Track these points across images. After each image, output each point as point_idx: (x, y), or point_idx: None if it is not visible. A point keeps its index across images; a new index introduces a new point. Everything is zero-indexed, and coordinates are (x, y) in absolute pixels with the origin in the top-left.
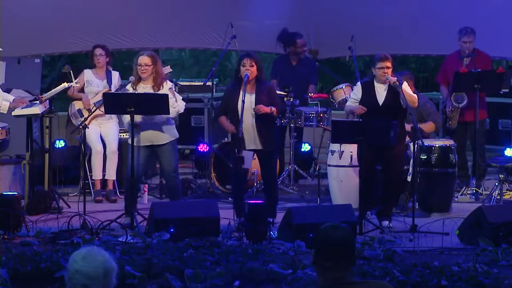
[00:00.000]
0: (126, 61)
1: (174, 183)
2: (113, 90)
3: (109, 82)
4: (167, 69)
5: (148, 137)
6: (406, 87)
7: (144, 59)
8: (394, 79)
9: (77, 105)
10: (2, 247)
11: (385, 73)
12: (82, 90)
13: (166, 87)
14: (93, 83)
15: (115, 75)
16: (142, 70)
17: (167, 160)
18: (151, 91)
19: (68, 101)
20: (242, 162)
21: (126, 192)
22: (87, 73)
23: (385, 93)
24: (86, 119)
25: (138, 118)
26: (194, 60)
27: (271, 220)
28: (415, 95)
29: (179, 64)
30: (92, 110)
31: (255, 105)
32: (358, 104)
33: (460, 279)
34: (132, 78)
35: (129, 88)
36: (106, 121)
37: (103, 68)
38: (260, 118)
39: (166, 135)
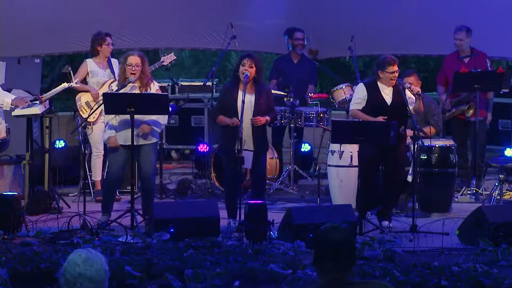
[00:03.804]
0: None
1: (150, 184)
2: (117, 78)
3: (112, 71)
4: (171, 56)
5: (129, 137)
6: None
7: (135, 59)
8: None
9: (84, 97)
10: (2, 247)
11: (395, 77)
12: (84, 80)
13: (154, 88)
14: (98, 73)
15: (115, 62)
16: (133, 70)
17: (147, 161)
18: (137, 91)
19: (69, 101)
20: (242, 162)
21: (107, 199)
22: (90, 63)
23: (391, 93)
24: (86, 119)
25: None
26: (194, 60)
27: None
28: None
29: (179, 64)
30: (95, 107)
31: (255, 107)
32: (364, 104)
33: (460, 279)
34: (132, 78)
35: (114, 88)
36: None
37: (106, 58)
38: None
39: (148, 136)
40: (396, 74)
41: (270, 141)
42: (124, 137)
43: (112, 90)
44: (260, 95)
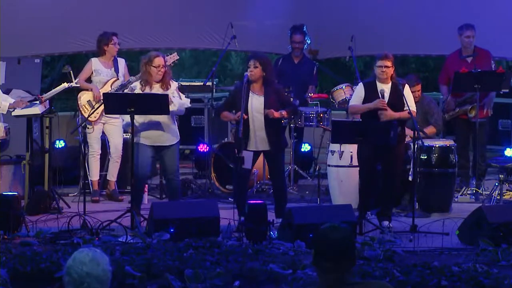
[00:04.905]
0: (126, 61)
1: (176, 183)
2: (121, 78)
3: (116, 70)
4: (174, 57)
5: (154, 137)
6: (408, 93)
7: (161, 61)
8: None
9: (86, 96)
10: (2, 247)
11: (383, 71)
12: (88, 79)
13: (173, 86)
14: (102, 72)
15: (122, 62)
16: (161, 71)
17: (172, 161)
18: (161, 90)
19: (69, 101)
20: (242, 162)
21: (133, 191)
22: (95, 62)
23: (388, 93)
24: (86, 118)
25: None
26: (194, 60)
27: (271, 220)
28: (414, 110)
29: (179, 64)
30: (96, 107)
31: (265, 108)
32: (361, 102)
33: (460, 279)
34: (132, 78)
35: (139, 90)
36: (113, 120)
37: (112, 57)
38: (269, 119)
39: (172, 137)
40: (385, 69)
41: None
42: (151, 139)
43: (133, 90)
44: (269, 96)
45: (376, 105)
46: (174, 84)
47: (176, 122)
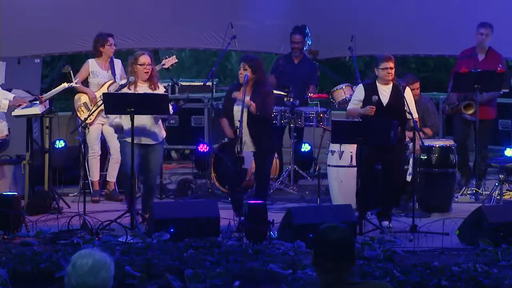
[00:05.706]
0: (126, 61)
1: (155, 183)
2: (118, 79)
3: (113, 72)
4: (173, 60)
5: (140, 135)
6: (409, 95)
7: (146, 59)
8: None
9: (83, 98)
10: (2, 247)
11: (389, 73)
12: (85, 80)
13: (162, 88)
14: (99, 74)
15: (118, 63)
16: (147, 69)
17: (156, 159)
18: (149, 90)
19: (69, 101)
20: (242, 162)
21: (126, 191)
22: (92, 63)
23: (389, 93)
24: (86, 119)
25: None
26: (194, 60)
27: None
28: (415, 113)
29: (179, 64)
30: (93, 109)
31: (248, 108)
32: (361, 105)
33: (460, 279)
34: (132, 78)
35: (126, 89)
36: None
37: (108, 58)
38: (253, 121)
39: (158, 135)
40: (390, 71)
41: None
42: (137, 137)
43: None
44: (254, 98)
45: (365, 111)
46: (161, 88)
47: (161, 124)
